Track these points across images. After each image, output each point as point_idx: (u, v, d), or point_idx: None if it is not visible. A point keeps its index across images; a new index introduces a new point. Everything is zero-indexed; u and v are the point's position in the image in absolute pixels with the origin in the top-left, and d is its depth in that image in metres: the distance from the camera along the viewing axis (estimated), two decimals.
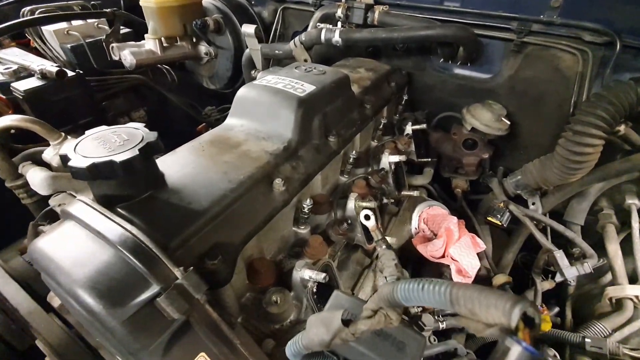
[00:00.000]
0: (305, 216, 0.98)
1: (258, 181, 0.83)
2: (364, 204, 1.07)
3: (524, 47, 1.41)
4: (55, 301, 0.77)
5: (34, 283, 0.91)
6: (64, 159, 0.64)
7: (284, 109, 0.96)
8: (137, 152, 0.65)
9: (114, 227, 0.58)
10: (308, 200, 0.96)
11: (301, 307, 0.85)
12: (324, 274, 0.78)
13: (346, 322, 0.44)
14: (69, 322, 0.78)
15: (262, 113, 0.99)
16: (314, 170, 0.99)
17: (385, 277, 0.80)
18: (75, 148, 0.67)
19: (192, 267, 0.58)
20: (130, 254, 0.55)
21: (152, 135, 0.70)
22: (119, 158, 0.62)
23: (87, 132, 0.72)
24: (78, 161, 0.62)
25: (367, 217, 0.91)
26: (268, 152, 0.90)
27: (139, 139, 0.69)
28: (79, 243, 0.59)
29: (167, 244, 0.62)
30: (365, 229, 1.05)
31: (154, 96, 1.98)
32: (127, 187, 0.69)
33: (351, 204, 1.07)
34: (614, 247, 1.24)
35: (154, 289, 0.54)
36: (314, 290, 0.82)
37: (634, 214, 1.26)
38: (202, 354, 0.57)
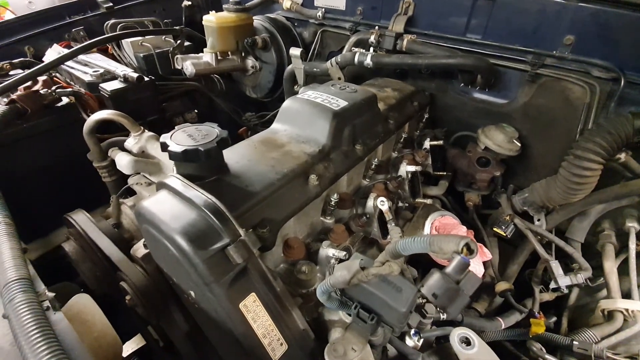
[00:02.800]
0: (332, 208, 1.19)
1: (297, 175, 1.04)
2: None
3: (538, 78, 1.55)
4: (138, 253, 1.01)
5: (117, 242, 1.16)
6: (163, 145, 0.89)
7: (321, 119, 1.18)
8: (215, 144, 0.88)
9: (199, 194, 0.81)
10: (335, 195, 1.16)
11: (324, 279, 1.04)
12: (344, 252, 0.97)
13: (362, 267, 0.63)
14: (147, 270, 1.01)
15: (303, 121, 1.21)
16: (341, 171, 1.19)
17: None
18: (170, 137, 0.91)
19: (250, 229, 0.79)
20: (211, 214, 0.77)
21: (225, 133, 0.93)
22: (203, 147, 0.86)
23: (177, 127, 0.97)
24: (174, 147, 0.86)
25: (382, 203, 1.11)
26: (306, 153, 1.12)
27: (215, 135, 0.92)
28: (173, 205, 0.82)
29: (232, 212, 0.84)
30: (380, 224, 1.24)
31: (204, 100, 2.27)
32: (203, 169, 0.92)
33: (370, 202, 1.26)
34: (610, 265, 1.35)
35: (225, 240, 0.76)
36: (335, 266, 1.02)
37: (632, 236, 1.37)
38: (253, 293, 0.78)
